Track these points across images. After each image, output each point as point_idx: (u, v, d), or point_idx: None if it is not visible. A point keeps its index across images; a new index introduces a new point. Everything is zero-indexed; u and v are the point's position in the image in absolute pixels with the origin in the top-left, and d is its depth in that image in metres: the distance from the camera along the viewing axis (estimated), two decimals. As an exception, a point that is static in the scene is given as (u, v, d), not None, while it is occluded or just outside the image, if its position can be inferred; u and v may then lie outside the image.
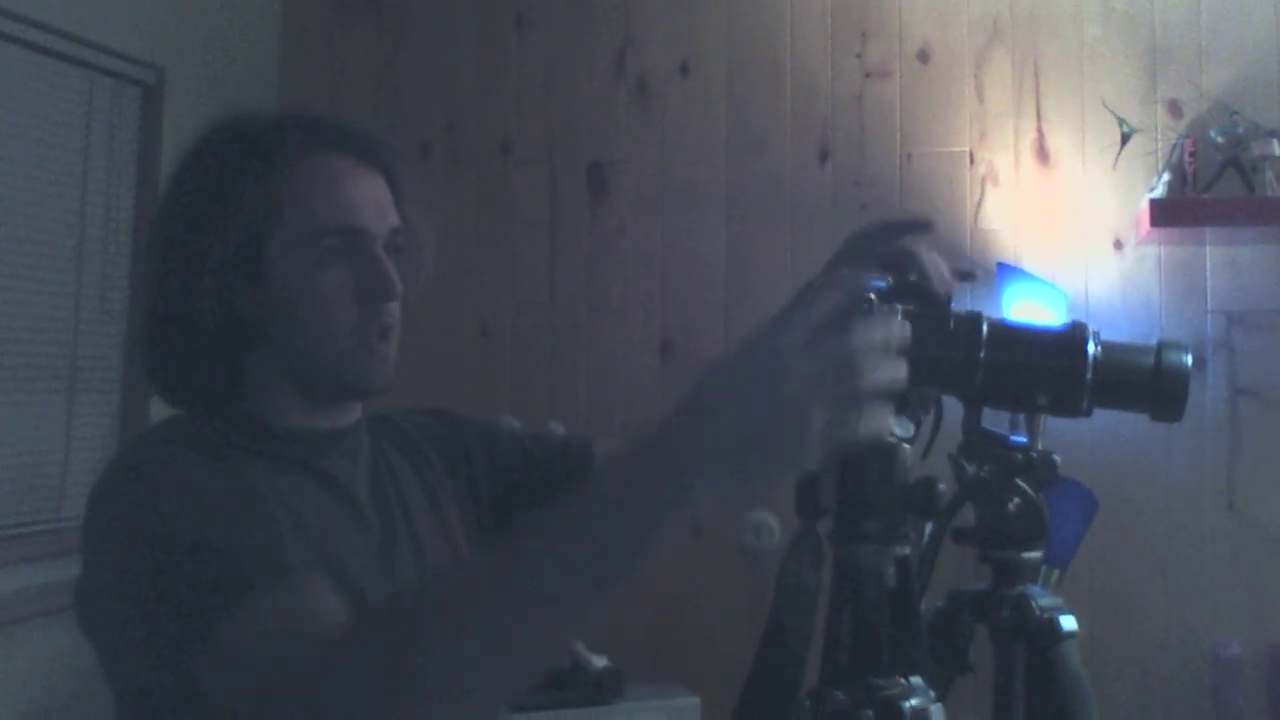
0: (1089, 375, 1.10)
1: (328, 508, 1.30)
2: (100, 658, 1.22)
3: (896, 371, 0.84)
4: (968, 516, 1.18)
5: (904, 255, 1.23)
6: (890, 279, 1.10)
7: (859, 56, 3.19)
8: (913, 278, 1.20)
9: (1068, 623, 1.18)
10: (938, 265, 1.23)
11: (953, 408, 1.15)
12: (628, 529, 0.85)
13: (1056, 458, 1.15)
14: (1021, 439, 1.16)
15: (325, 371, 1.31)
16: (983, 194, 3.11)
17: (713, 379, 0.84)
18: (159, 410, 1.37)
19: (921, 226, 1.26)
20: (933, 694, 1.09)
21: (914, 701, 1.07)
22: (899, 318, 0.86)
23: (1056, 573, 2.73)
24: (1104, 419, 1.16)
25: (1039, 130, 3.11)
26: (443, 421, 1.55)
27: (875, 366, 0.82)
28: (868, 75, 3.19)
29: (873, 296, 1.06)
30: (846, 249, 1.31)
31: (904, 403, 1.09)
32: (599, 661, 2.75)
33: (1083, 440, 2.85)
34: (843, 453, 0.88)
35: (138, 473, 1.21)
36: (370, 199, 1.32)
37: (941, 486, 1.10)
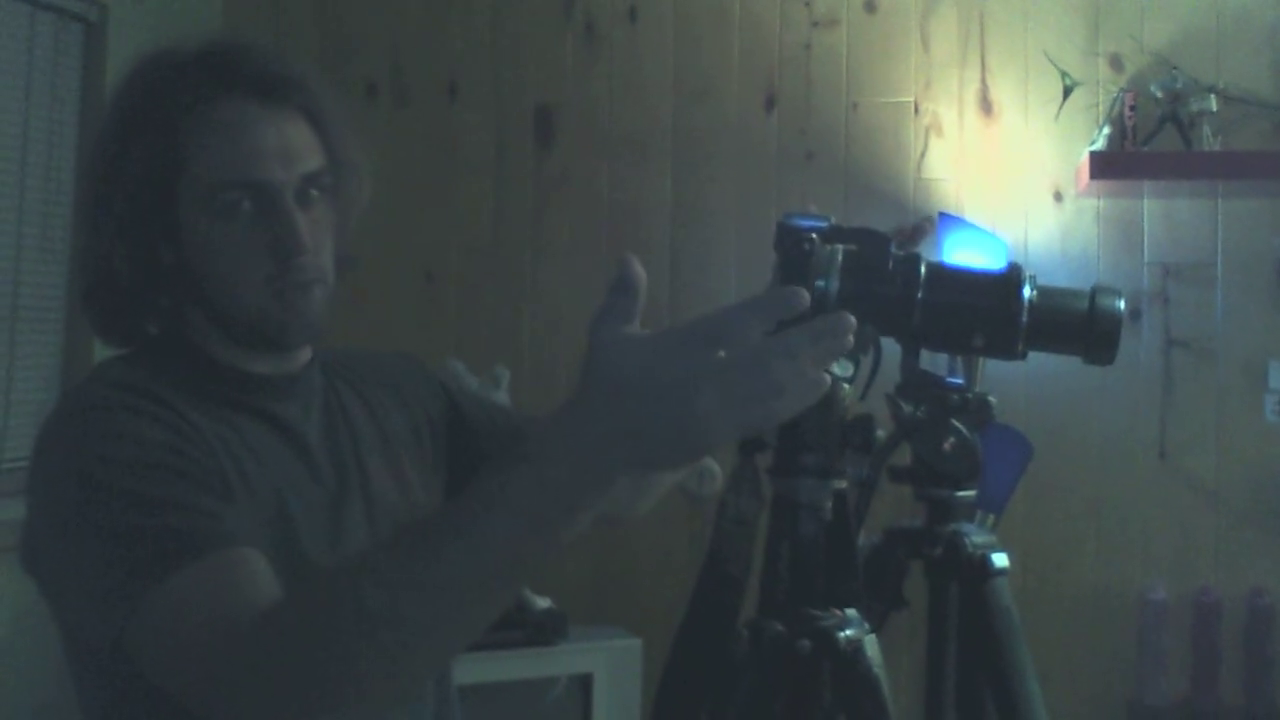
0: (1024, 317, 1.12)
1: (278, 453, 1.29)
2: (46, 599, 1.22)
3: (816, 384, 0.83)
4: (905, 455, 1.20)
5: None
6: (830, 219, 1.12)
7: (807, 5, 3.19)
8: None
9: (999, 560, 1.22)
10: None
11: (891, 351, 1.18)
12: (536, 526, 0.89)
13: (992, 399, 1.18)
14: (958, 380, 1.19)
15: (242, 323, 1.29)
16: (926, 144, 3.13)
17: (620, 393, 0.84)
18: (103, 350, 1.36)
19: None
20: (867, 626, 1.13)
21: (849, 632, 1.10)
22: (849, 323, 0.85)
23: (991, 518, 2.78)
24: (1040, 368, 1.19)
25: (983, 81, 3.13)
26: (407, 366, 1.54)
27: (790, 382, 0.82)
28: (815, 24, 3.19)
29: (814, 237, 1.08)
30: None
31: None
32: (542, 603, 2.78)
33: (1019, 388, 2.90)
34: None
35: (82, 416, 1.20)
36: (276, 147, 1.26)
37: (879, 432, 1.13)
